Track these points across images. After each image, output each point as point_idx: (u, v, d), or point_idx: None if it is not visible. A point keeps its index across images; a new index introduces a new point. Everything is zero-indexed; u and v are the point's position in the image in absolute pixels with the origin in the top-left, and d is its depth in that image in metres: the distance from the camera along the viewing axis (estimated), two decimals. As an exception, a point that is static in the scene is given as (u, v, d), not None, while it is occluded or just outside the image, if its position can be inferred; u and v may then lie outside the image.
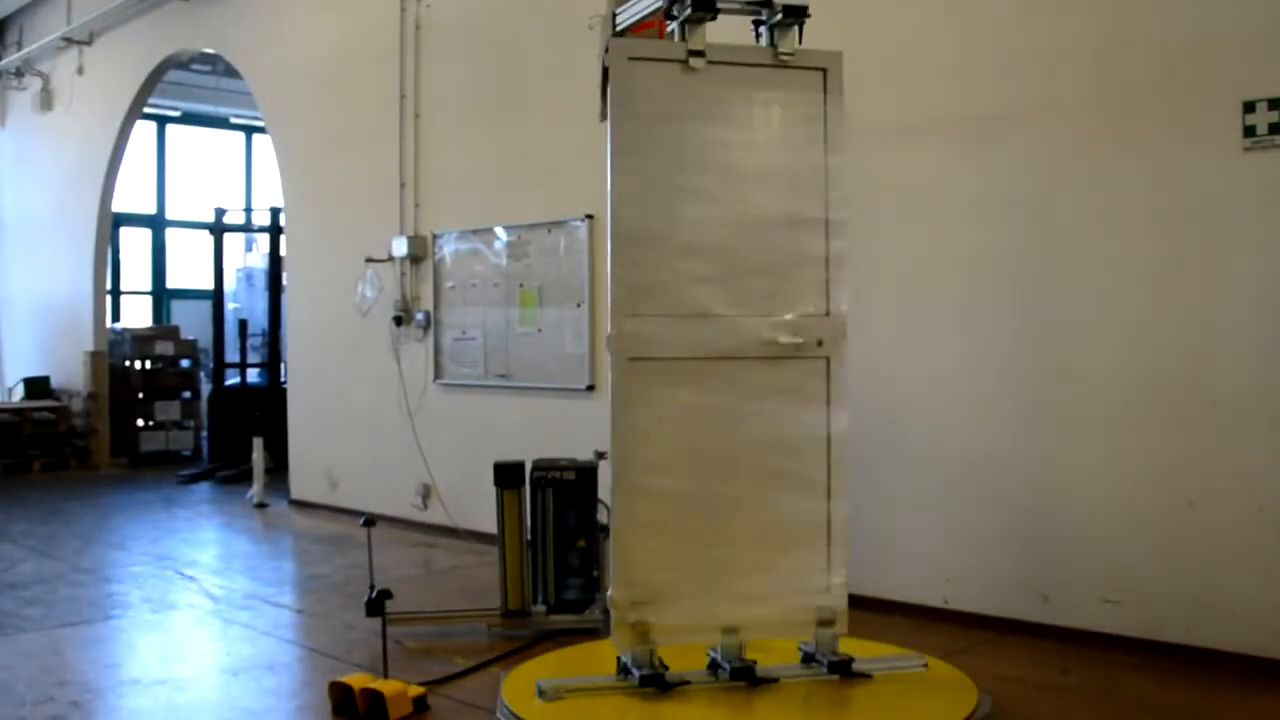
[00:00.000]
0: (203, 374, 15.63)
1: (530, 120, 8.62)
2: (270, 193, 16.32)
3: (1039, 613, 6.00)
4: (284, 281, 12.55)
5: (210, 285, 14.62)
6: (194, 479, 12.99)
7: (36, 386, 14.87)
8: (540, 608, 6.23)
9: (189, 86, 16.81)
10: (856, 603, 6.10)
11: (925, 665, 5.01)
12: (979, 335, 6.29)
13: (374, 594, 5.30)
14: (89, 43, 13.95)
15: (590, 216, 8.05)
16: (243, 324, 14.55)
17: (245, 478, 11.52)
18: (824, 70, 4.89)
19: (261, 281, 14.51)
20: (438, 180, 9.46)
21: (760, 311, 4.86)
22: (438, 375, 9.45)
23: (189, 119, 18.28)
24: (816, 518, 4.89)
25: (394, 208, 9.66)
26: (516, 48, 8.75)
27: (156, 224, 18.08)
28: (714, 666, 4.83)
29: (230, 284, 14.82)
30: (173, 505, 11.36)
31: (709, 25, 4.90)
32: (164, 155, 18.15)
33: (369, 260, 9.82)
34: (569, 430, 7.82)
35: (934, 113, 6.45)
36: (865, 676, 4.81)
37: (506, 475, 6.28)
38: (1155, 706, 4.96)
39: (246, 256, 15.33)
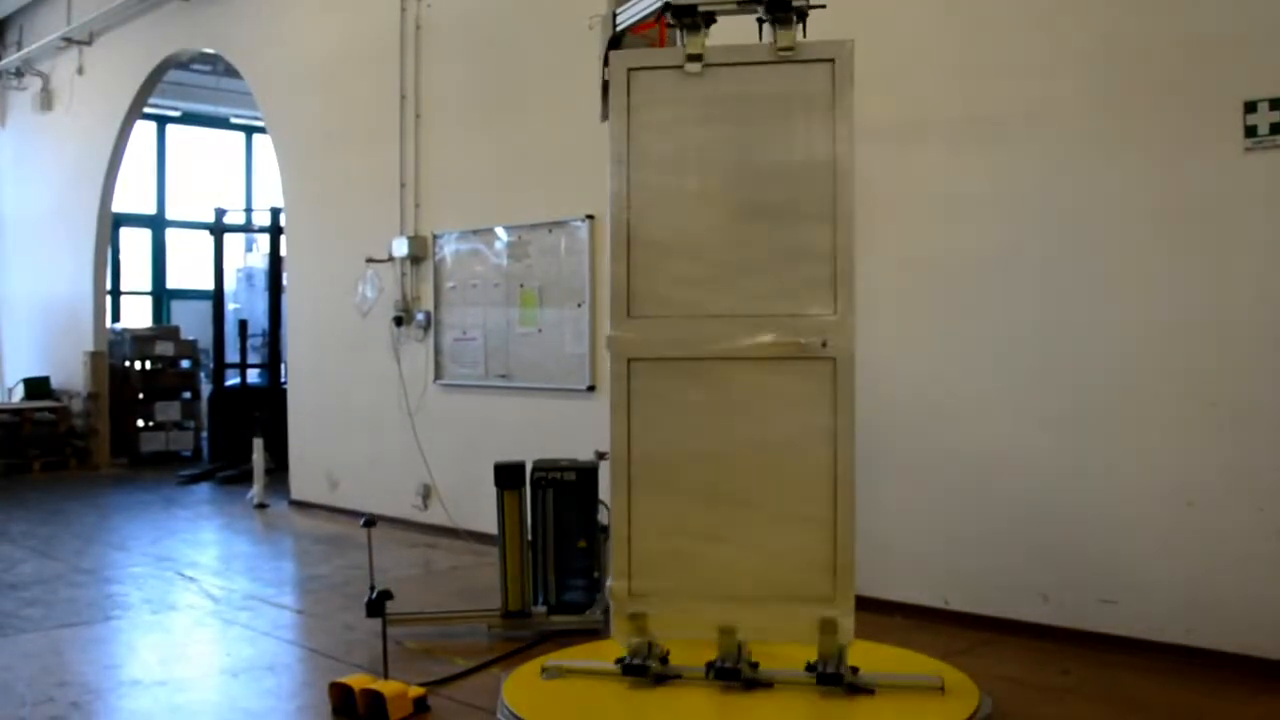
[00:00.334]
0: (203, 374, 15.63)
1: (531, 120, 8.62)
2: (270, 193, 16.32)
3: (1039, 613, 5.99)
4: (284, 282, 12.55)
5: (210, 285, 14.62)
6: (194, 479, 12.97)
7: (36, 387, 14.87)
8: (541, 608, 6.22)
9: (189, 86, 16.80)
10: (859, 603, 6.09)
11: (941, 688, 4.70)
12: (979, 335, 6.29)
13: (374, 594, 5.29)
14: (89, 43, 13.95)
15: (591, 217, 8.05)
16: (243, 324, 14.54)
17: (245, 478, 11.51)
18: (832, 61, 4.80)
19: (262, 282, 14.50)
20: (438, 180, 9.46)
21: (764, 311, 4.83)
22: (438, 375, 9.45)
23: (189, 119, 18.28)
24: (820, 523, 4.81)
25: (394, 208, 9.66)
26: (517, 48, 8.74)
27: (156, 224, 18.07)
28: (710, 665, 4.81)
29: (230, 284, 14.81)
30: (173, 506, 11.35)
31: (719, 24, 4.89)
32: (164, 155, 18.14)
33: (369, 260, 9.82)
34: (569, 431, 7.81)
35: (935, 112, 6.45)
36: (869, 692, 4.68)
37: (507, 476, 6.28)
38: (1155, 707, 4.95)
39: (247, 257, 15.32)
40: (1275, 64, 5.27)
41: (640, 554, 4.88)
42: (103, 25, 13.61)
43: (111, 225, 14.82)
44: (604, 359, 7.37)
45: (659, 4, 4.95)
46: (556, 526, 6.30)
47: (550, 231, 8.46)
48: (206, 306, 15.02)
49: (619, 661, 4.87)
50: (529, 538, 6.27)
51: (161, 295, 18.12)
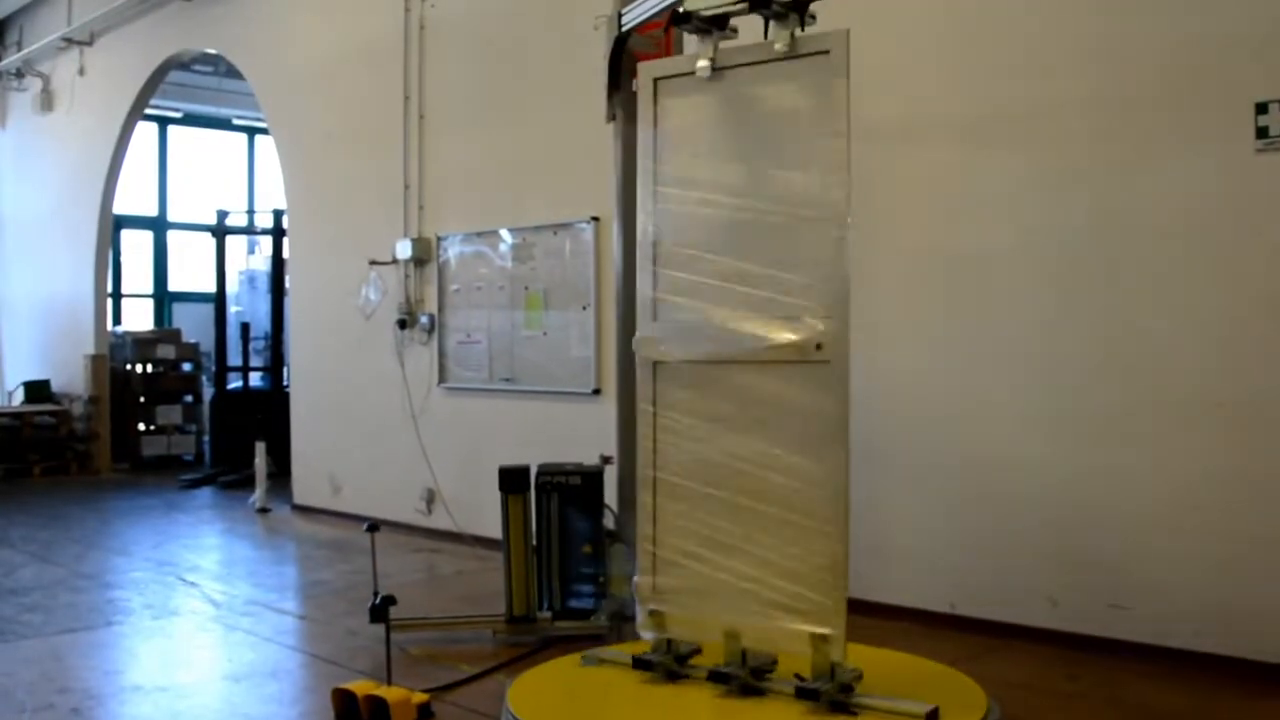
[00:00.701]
0: (204, 378, 15.62)
1: (535, 121, 8.58)
2: (273, 194, 16.29)
3: (1047, 618, 5.95)
4: (287, 284, 12.52)
5: (212, 288, 14.59)
6: (196, 484, 12.96)
7: (37, 390, 14.84)
8: (545, 614, 6.18)
9: (191, 87, 16.79)
10: (866, 608, 6.10)
11: (932, 715, 4.42)
12: (983, 337, 6.25)
13: (377, 600, 5.24)
14: (90, 43, 13.94)
15: (596, 219, 8.00)
16: (245, 327, 14.52)
17: (247, 483, 11.49)
18: (828, 52, 4.65)
19: (264, 284, 14.49)
20: (442, 182, 9.42)
21: (768, 315, 4.79)
22: (442, 379, 9.41)
23: (191, 120, 18.26)
24: (813, 533, 4.69)
25: (398, 209, 9.63)
26: (521, 48, 8.71)
27: (158, 226, 18.05)
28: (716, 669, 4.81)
29: (232, 287, 14.80)
30: (174, 510, 11.33)
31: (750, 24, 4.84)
32: (165, 157, 18.12)
33: (373, 263, 9.79)
34: (574, 434, 7.78)
35: (939, 112, 6.42)
36: (849, 712, 4.46)
37: (511, 480, 6.25)
38: (1163, 713, 4.92)
39: (249, 259, 15.31)
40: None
41: (661, 553, 4.91)
42: (103, 25, 13.59)
43: (113, 227, 14.81)
44: (609, 362, 7.40)
45: (664, 4, 4.92)
46: (561, 531, 6.27)
47: (555, 234, 8.43)
48: (208, 309, 14.99)
49: (635, 656, 4.92)
50: (533, 543, 6.24)
51: (163, 298, 18.10)
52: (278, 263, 13.82)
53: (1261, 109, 5.27)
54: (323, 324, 10.69)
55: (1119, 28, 5.76)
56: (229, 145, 18.86)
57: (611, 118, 5.79)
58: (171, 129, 18.12)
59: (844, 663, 4.51)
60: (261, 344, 14.62)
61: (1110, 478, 5.77)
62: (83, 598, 7.38)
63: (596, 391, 8.06)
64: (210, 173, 18.47)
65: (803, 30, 4.68)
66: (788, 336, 4.69)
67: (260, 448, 10.96)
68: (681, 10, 4.80)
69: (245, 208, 17.39)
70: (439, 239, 9.43)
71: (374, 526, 5.53)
